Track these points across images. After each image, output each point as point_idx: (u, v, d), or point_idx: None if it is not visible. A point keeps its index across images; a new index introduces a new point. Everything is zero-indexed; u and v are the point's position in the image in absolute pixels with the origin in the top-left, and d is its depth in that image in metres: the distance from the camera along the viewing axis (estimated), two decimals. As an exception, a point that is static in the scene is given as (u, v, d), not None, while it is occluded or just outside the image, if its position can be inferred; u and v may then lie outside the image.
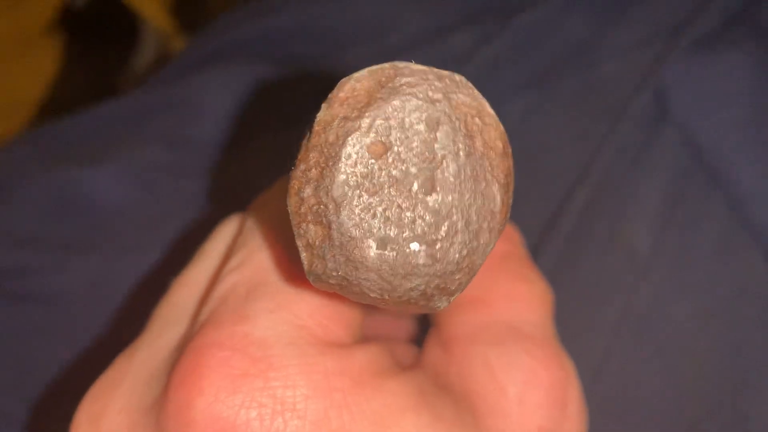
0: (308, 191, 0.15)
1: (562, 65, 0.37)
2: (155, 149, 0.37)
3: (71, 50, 0.75)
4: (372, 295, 0.16)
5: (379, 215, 0.15)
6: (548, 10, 0.37)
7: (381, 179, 0.15)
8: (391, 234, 0.15)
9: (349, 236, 0.15)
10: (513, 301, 0.21)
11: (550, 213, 0.33)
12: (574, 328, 0.30)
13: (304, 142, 0.16)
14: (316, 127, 0.15)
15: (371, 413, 0.17)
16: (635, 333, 0.30)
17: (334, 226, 0.15)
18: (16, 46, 0.72)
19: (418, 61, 0.39)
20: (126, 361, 0.20)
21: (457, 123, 0.16)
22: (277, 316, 0.18)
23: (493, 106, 0.40)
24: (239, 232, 0.22)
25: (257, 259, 0.20)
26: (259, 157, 0.37)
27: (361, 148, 0.15)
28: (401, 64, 0.16)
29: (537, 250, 0.32)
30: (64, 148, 0.38)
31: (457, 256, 0.16)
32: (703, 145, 0.32)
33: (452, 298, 0.16)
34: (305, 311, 0.18)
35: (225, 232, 0.23)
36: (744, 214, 0.31)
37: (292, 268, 0.19)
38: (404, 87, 0.15)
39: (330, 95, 0.15)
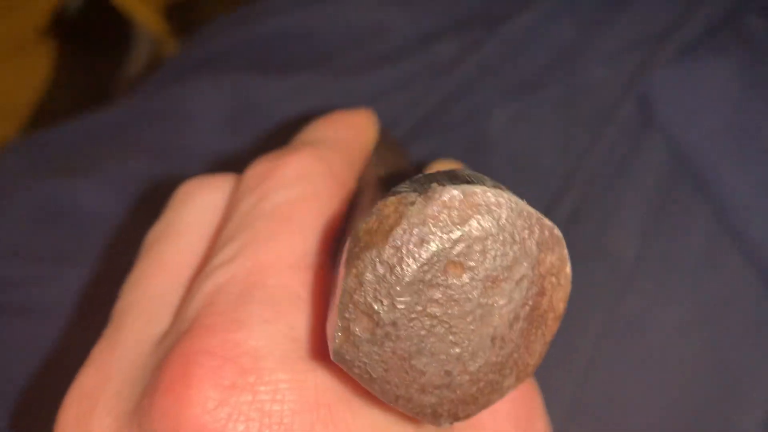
0: (370, 278, 0.15)
1: (548, 72, 0.37)
2: (144, 159, 0.36)
3: (64, 55, 0.75)
4: (385, 397, 0.16)
5: (427, 330, 0.15)
6: (535, 17, 0.37)
7: (444, 297, 0.15)
8: (431, 350, 0.15)
9: (392, 340, 0.15)
10: None
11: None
12: (559, 337, 0.30)
13: (384, 223, 0.15)
14: (404, 223, 0.15)
15: (357, 430, 0.17)
16: (621, 341, 0.30)
17: (382, 324, 0.15)
18: (8, 51, 0.72)
19: (406, 67, 0.39)
20: (107, 357, 0.20)
21: (536, 278, 0.15)
22: (272, 327, 0.18)
23: (481, 112, 0.40)
24: (230, 213, 0.21)
25: (254, 254, 0.19)
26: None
27: (440, 261, 0.15)
28: (513, 198, 0.15)
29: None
30: (53, 158, 0.38)
31: (479, 391, 0.16)
32: (688, 152, 0.32)
33: (455, 422, 0.16)
34: (301, 324, 0.18)
35: (206, 202, 0.22)
36: (729, 222, 0.31)
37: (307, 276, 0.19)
38: (506, 222, 0.15)
39: (431, 193, 0.15)
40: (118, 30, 0.76)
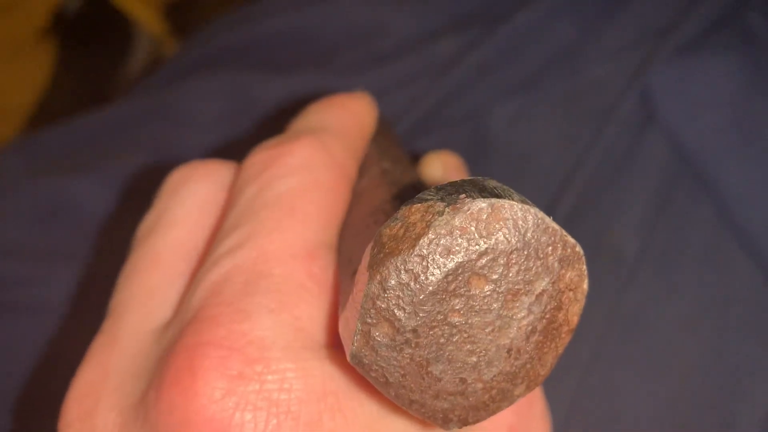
0: (394, 285, 0.15)
1: (549, 70, 0.37)
2: (144, 157, 0.36)
3: (64, 55, 0.75)
4: (399, 401, 0.16)
5: (446, 338, 0.15)
6: (535, 15, 0.37)
7: (466, 307, 0.15)
8: (449, 358, 0.16)
9: (411, 347, 0.15)
10: None
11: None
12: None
13: (410, 231, 0.15)
14: (431, 233, 0.15)
15: (364, 417, 0.18)
16: (622, 337, 0.30)
17: (402, 331, 0.15)
18: (8, 51, 0.72)
19: (407, 66, 0.39)
20: (107, 351, 0.19)
21: (555, 293, 0.16)
22: (277, 317, 0.18)
23: (481, 110, 0.40)
24: (233, 201, 0.20)
25: (259, 244, 0.19)
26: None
27: (464, 272, 0.15)
28: (540, 214, 0.15)
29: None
30: (52, 157, 0.38)
31: (490, 399, 0.16)
32: (689, 149, 0.32)
33: (464, 426, 0.17)
34: (306, 314, 0.18)
35: (199, 190, 0.22)
36: (731, 218, 0.31)
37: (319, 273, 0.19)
38: (531, 238, 0.15)
39: (460, 204, 0.15)
40: (118, 30, 0.77)
